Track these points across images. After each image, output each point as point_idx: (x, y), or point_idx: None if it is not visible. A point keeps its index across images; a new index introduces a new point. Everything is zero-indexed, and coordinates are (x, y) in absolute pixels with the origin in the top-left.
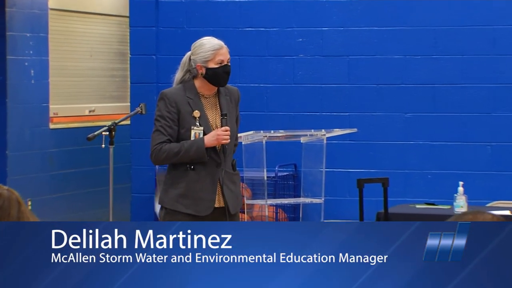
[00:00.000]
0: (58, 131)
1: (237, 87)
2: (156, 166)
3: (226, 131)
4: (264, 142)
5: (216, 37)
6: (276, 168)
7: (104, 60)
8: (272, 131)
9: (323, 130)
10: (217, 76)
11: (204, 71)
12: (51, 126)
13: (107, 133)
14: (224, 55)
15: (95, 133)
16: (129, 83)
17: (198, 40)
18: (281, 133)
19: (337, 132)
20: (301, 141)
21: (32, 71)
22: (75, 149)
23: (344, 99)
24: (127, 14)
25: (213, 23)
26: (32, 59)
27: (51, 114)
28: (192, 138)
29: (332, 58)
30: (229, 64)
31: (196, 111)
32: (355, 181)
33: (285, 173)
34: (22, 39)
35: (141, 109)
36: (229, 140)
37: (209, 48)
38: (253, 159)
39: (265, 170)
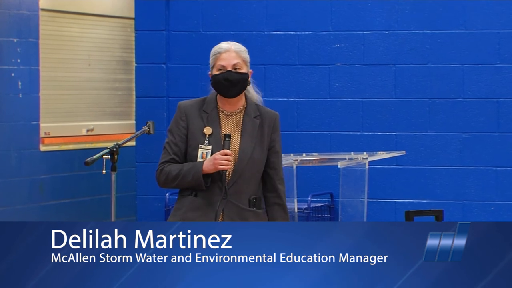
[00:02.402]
0: (50, 154)
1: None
2: (167, 195)
3: (225, 155)
4: (294, 167)
5: (238, 42)
6: (309, 198)
7: (105, 69)
8: (304, 154)
9: (364, 153)
10: (218, 84)
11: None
12: (42, 148)
13: (109, 156)
14: (227, 60)
15: (94, 156)
16: (134, 97)
17: None
18: (314, 156)
19: (382, 155)
20: (339, 166)
21: (19, 83)
22: (70, 175)
23: (390, 116)
24: (132, 16)
25: (233, 26)
26: (20, 68)
27: (42, 134)
28: (199, 158)
29: (376, 67)
30: (236, 70)
31: (208, 127)
32: (403, 213)
33: (319, 204)
34: (8, 45)
35: (149, 128)
36: (228, 166)
37: (213, 52)
38: None
39: (295, 200)
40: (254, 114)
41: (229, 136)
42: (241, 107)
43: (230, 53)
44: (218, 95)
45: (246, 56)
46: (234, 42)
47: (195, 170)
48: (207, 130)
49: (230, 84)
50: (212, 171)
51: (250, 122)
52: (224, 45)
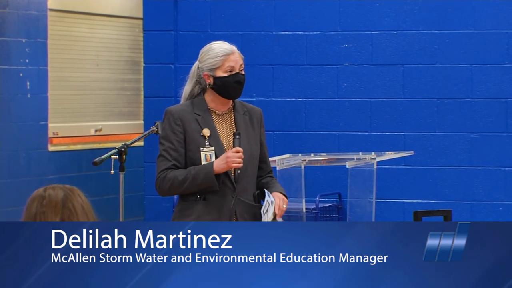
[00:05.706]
0: (59, 154)
1: (270, 101)
2: (175, 195)
3: (238, 152)
4: (302, 167)
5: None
6: (317, 198)
7: (113, 70)
8: (312, 154)
9: (373, 153)
10: (226, 87)
11: (211, 81)
12: (50, 148)
13: (117, 156)
14: (236, 61)
15: (103, 156)
16: (142, 97)
17: (207, 45)
18: (322, 156)
19: (390, 155)
20: (347, 166)
21: (28, 83)
22: (79, 175)
23: (398, 116)
24: (140, 16)
25: (242, 26)
26: (28, 69)
27: (50, 134)
28: (203, 161)
29: (384, 67)
30: (242, 72)
31: (206, 129)
32: (411, 213)
33: (327, 204)
34: (16, 45)
35: (157, 128)
36: (241, 164)
37: (218, 53)
38: (289, 187)
39: (303, 200)
40: (242, 111)
41: (239, 134)
42: (230, 106)
43: (238, 55)
44: (206, 95)
45: None
46: (227, 42)
47: (206, 171)
48: (206, 132)
49: (240, 86)
50: (225, 170)
51: (242, 119)
52: (226, 45)
